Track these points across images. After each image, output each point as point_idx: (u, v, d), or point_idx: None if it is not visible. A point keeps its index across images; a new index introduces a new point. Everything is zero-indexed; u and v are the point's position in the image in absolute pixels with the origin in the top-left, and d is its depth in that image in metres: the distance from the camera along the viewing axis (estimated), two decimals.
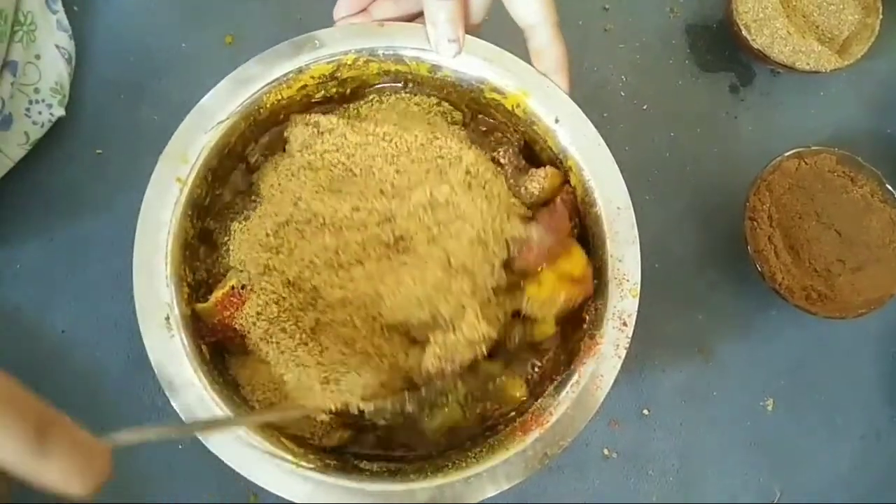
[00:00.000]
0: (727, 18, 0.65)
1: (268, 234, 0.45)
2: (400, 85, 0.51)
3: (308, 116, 0.48)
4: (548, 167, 0.48)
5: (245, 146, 0.48)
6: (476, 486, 0.41)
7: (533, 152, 0.51)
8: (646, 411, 0.59)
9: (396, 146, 0.47)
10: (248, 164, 0.49)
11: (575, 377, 0.43)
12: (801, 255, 0.58)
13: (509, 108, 0.49)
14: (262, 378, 0.44)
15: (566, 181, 0.48)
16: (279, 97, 0.47)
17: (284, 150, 0.49)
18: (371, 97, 0.51)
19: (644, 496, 0.58)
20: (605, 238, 0.45)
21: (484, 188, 0.47)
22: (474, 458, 0.42)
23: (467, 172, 0.47)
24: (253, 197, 0.48)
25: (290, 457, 0.41)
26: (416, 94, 0.51)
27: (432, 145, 0.47)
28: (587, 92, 0.64)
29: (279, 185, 0.47)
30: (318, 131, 0.47)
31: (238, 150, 0.48)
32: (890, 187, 0.58)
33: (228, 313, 0.44)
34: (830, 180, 0.59)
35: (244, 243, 0.45)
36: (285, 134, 0.48)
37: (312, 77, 0.47)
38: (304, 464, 0.41)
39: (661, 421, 0.59)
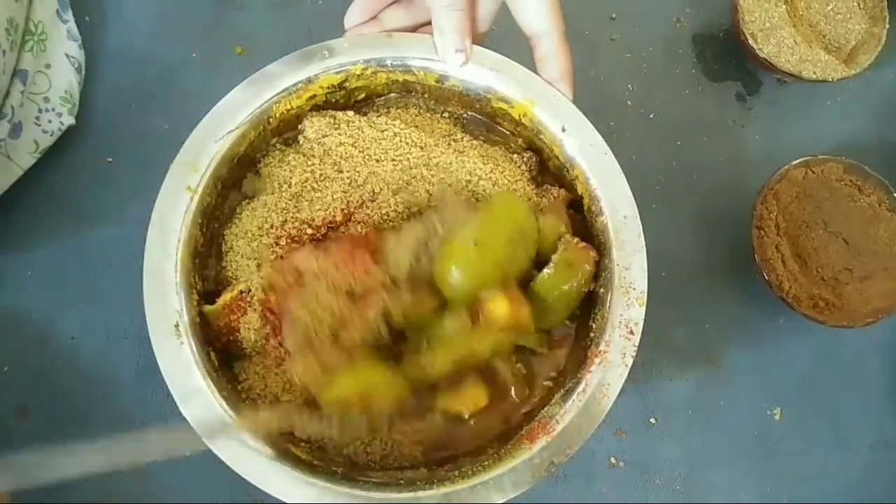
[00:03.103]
0: (734, 28, 0.65)
1: (259, 228, 0.45)
2: (409, 95, 0.51)
3: (325, 111, 0.49)
4: (562, 189, 0.49)
5: (255, 154, 0.49)
6: (482, 494, 0.41)
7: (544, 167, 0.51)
8: (653, 420, 0.59)
9: (413, 140, 0.47)
10: (258, 172, 0.49)
11: (581, 385, 0.43)
12: (809, 264, 0.58)
13: (516, 117, 0.49)
14: (269, 383, 0.45)
15: (572, 200, 0.49)
16: (289, 107, 0.48)
17: (294, 145, 0.49)
18: (379, 103, 0.51)
19: None
20: (611, 246, 0.45)
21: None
22: (480, 466, 0.42)
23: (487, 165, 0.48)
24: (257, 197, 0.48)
25: (297, 464, 0.41)
26: (427, 102, 0.52)
27: (448, 142, 0.48)
28: (594, 101, 0.64)
29: (273, 175, 0.47)
30: (335, 123, 0.48)
31: (248, 159, 0.48)
32: None
33: (235, 317, 0.44)
34: (838, 189, 0.59)
35: (238, 237, 0.46)
36: (300, 127, 0.49)
37: (321, 87, 0.48)
38: (310, 471, 0.41)
39: (668, 430, 0.59)
